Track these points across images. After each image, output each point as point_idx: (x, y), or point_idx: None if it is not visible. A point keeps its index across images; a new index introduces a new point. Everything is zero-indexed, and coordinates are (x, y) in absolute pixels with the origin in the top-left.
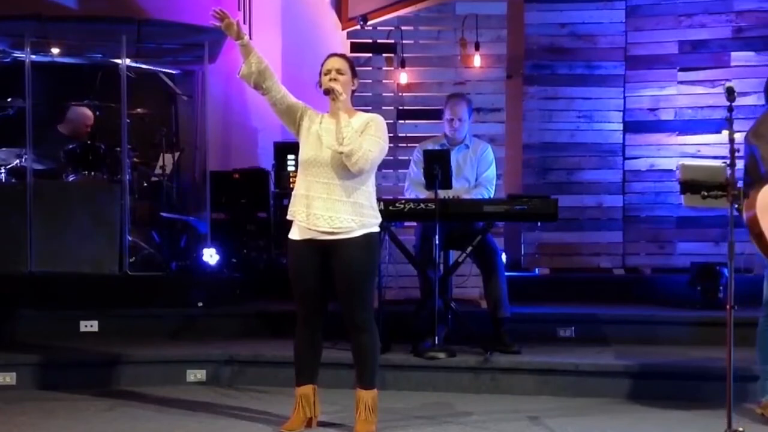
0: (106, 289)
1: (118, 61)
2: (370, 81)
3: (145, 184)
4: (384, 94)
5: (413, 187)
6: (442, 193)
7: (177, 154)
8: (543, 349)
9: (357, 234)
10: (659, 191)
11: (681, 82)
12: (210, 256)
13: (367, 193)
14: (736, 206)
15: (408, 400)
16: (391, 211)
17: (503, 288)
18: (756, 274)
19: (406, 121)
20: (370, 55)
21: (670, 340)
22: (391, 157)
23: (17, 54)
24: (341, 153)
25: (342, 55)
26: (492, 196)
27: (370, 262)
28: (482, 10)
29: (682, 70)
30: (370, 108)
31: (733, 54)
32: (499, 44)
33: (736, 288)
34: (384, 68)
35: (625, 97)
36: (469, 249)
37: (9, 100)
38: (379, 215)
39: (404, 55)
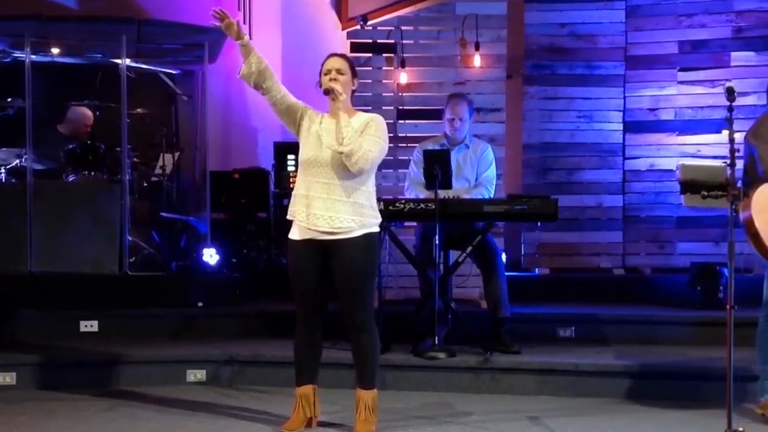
0: (106, 289)
1: (118, 61)
2: (370, 81)
3: (145, 184)
4: (384, 94)
5: (413, 187)
6: (442, 193)
7: (177, 154)
8: (543, 349)
9: (357, 234)
10: (659, 191)
11: (681, 82)
12: (210, 256)
13: (367, 193)
14: (734, 206)
15: (408, 400)
16: (391, 211)
17: (503, 288)
18: (756, 274)
19: (406, 121)
20: (370, 55)
21: (670, 340)
22: (391, 157)
23: (17, 54)
24: (341, 153)
25: (342, 55)
26: (492, 196)
27: (370, 262)
28: (482, 10)
29: (682, 70)
30: (370, 108)
31: (733, 54)
32: (499, 44)
33: (736, 288)
34: (384, 68)
35: (625, 97)
36: (469, 249)
37: (9, 100)
38: (379, 215)
39: (404, 55)
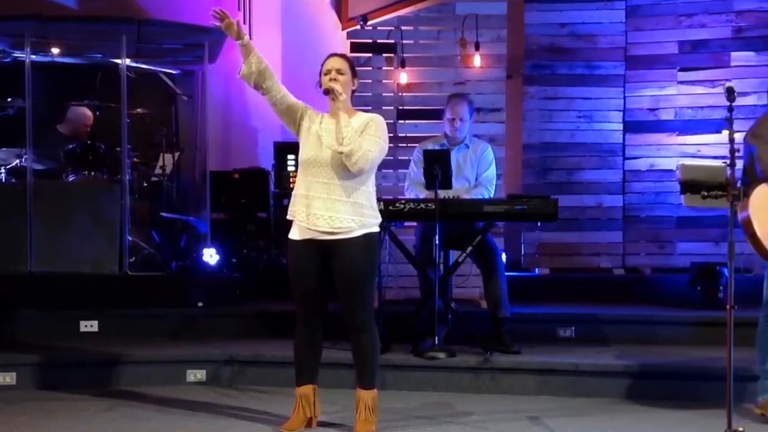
0: (106, 289)
1: (118, 61)
2: (370, 81)
3: (145, 184)
4: (384, 94)
5: (413, 187)
6: (442, 193)
7: (177, 154)
8: (543, 349)
9: (357, 234)
10: (659, 191)
11: (681, 82)
12: (210, 256)
13: (367, 193)
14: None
15: (408, 400)
16: (391, 211)
17: (503, 288)
18: (756, 274)
19: (406, 121)
20: (370, 55)
21: (670, 340)
22: (391, 157)
23: (17, 54)
24: (341, 153)
25: (342, 55)
26: (492, 196)
27: (370, 262)
28: (482, 10)
29: (682, 70)
30: (370, 108)
31: (733, 54)
32: (499, 44)
33: (736, 288)
34: (384, 68)
35: (625, 97)
36: (469, 249)
37: (9, 100)
38: (379, 215)
39: (404, 55)
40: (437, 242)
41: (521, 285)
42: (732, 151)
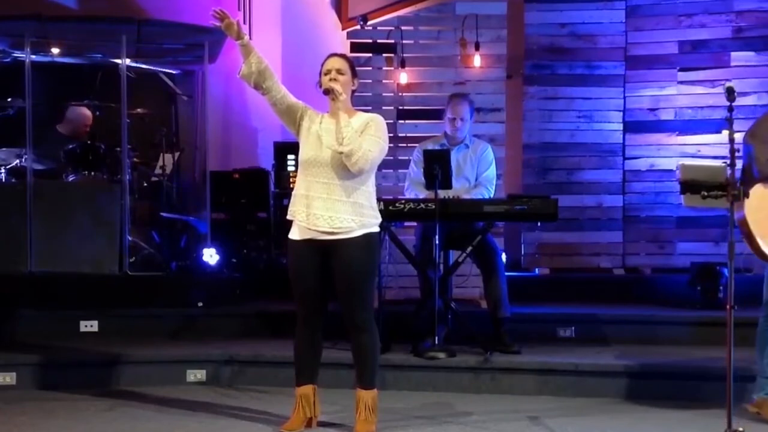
0: (106, 289)
1: (118, 61)
2: (370, 81)
3: (145, 184)
4: (384, 94)
5: (413, 187)
6: (442, 193)
7: (177, 154)
8: (543, 349)
9: (357, 234)
10: (659, 191)
11: (681, 82)
12: (210, 256)
13: (367, 193)
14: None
15: (408, 400)
16: (391, 211)
17: (503, 288)
18: (756, 274)
19: (406, 121)
20: (370, 55)
21: (670, 340)
22: (391, 157)
23: (17, 54)
24: (341, 153)
25: (342, 55)
26: (492, 196)
27: (370, 262)
28: (482, 10)
29: (682, 70)
30: (370, 108)
31: (733, 54)
32: (499, 44)
33: (736, 288)
34: (384, 68)
35: (625, 97)
36: (469, 249)
37: (9, 100)
38: (379, 215)
39: (404, 55)
40: (437, 242)
41: (521, 285)
42: (732, 151)
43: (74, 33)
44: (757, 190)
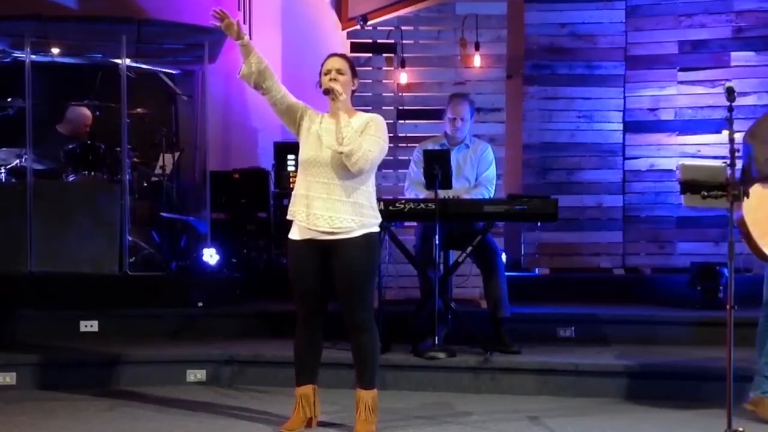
0: (106, 289)
1: (118, 61)
2: (370, 81)
3: (145, 184)
4: (384, 94)
5: (413, 187)
6: (442, 193)
7: (177, 154)
8: (543, 349)
9: (357, 234)
10: (659, 191)
11: (681, 82)
12: (210, 256)
13: (367, 193)
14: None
15: (408, 400)
16: (391, 211)
17: (503, 288)
18: (755, 274)
19: (406, 121)
20: (370, 55)
21: (670, 340)
22: (391, 157)
23: (17, 54)
24: (341, 153)
25: (342, 55)
26: (492, 196)
27: (370, 262)
28: (482, 10)
29: (682, 70)
30: (370, 108)
31: (733, 54)
32: (499, 44)
33: (736, 288)
34: (384, 68)
35: (625, 97)
36: (469, 249)
37: (9, 100)
38: (379, 215)
39: (404, 55)
40: (437, 242)
41: (521, 285)
42: (732, 151)
43: (74, 33)
44: (755, 190)
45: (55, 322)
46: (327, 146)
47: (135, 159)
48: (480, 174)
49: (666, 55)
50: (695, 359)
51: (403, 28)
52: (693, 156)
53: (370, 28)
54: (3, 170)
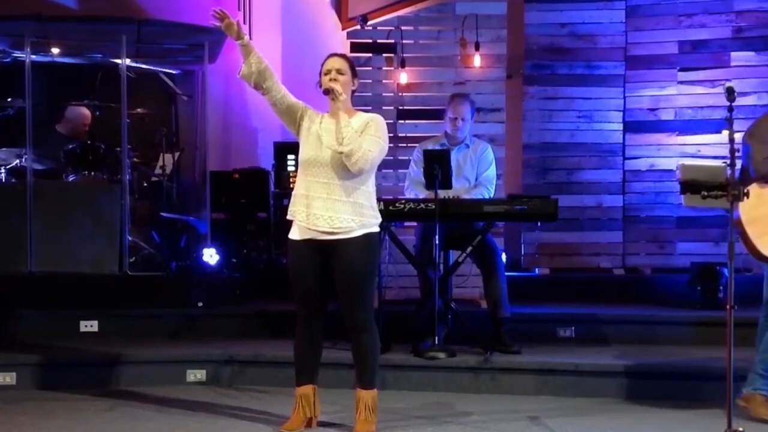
0: (106, 289)
1: (118, 61)
2: (370, 81)
3: (145, 184)
4: (384, 94)
5: (413, 187)
6: (442, 193)
7: (177, 154)
8: (543, 349)
9: (357, 234)
10: (659, 191)
11: (681, 82)
12: (210, 256)
13: (367, 193)
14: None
15: (408, 400)
16: (391, 211)
17: (503, 288)
18: (755, 274)
19: (406, 121)
20: (370, 55)
21: (670, 340)
22: (391, 157)
23: (17, 54)
24: (341, 153)
25: (342, 55)
26: (492, 196)
27: (370, 262)
28: (482, 10)
29: (682, 70)
30: (370, 108)
31: (733, 54)
32: (499, 44)
33: (736, 288)
34: (384, 68)
35: (625, 97)
36: (469, 249)
37: (9, 100)
38: (379, 215)
39: (404, 55)
40: (437, 242)
41: (521, 285)
42: (732, 151)
43: (74, 33)
44: (752, 190)
45: (55, 322)
46: (327, 146)
47: (135, 159)
48: (480, 174)
49: (666, 55)
50: (695, 359)
51: (403, 28)
52: (693, 156)
53: (370, 28)
54: (3, 170)
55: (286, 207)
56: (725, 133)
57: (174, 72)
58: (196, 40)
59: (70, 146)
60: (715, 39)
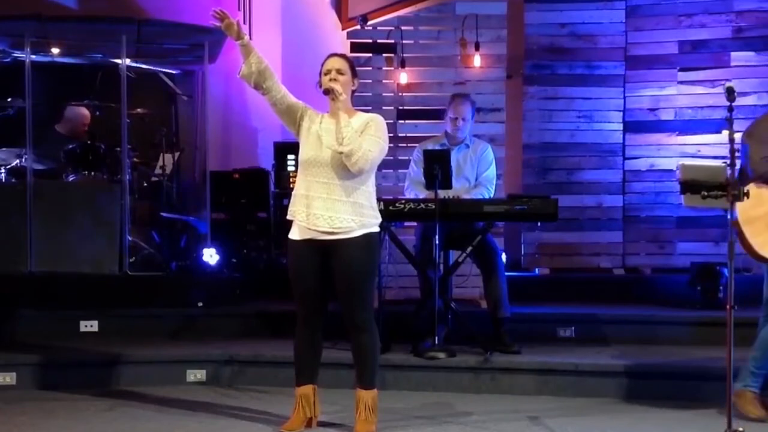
0: (106, 289)
1: (118, 61)
2: (370, 81)
3: (145, 184)
4: (384, 94)
5: (413, 187)
6: (442, 193)
7: (177, 154)
8: (543, 349)
9: (357, 234)
10: (659, 191)
11: (681, 82)
12: (210, 256)
13: (367, 193)
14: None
15: (408, 400)
16: (391, 211)
17: (503, 288)
18: (755, 274)
19: (406, 121)
20: (370, 55)
21: (670, 340)
22: (391, 157)
23: (17, 54)
24: (341, 153)
25: (342, 55)
26: (492, 196)
27: (370, 262)
28: (482, 10)
29: (682, 70)
30: (370, 108)
31: (733, 54)
32: (499, 44)
33: (736, 288)
34: (384, 68)
35: (625, 97)
36: (469, 249)
37: (9, 100)
38: (379, 215)
39: (404, 55)
40: (437, 242)
41: (521, 285)
42: (732, 151)
43: (74, 33)
44: (750, 190)
45: (55, 322)
46: (327, 146)
47: (135, 159)
48: (480, 174)
49: (666, 55)
50: (695, 359)
51: (403, 28)
52: (693, 156)
53: (370, 28)
54: (3, 170)
55: (286, 207)
56: (725, 133)
57: (174, 72)
58: (196, 40)
59: (70, 146)
60: (715, 39)
